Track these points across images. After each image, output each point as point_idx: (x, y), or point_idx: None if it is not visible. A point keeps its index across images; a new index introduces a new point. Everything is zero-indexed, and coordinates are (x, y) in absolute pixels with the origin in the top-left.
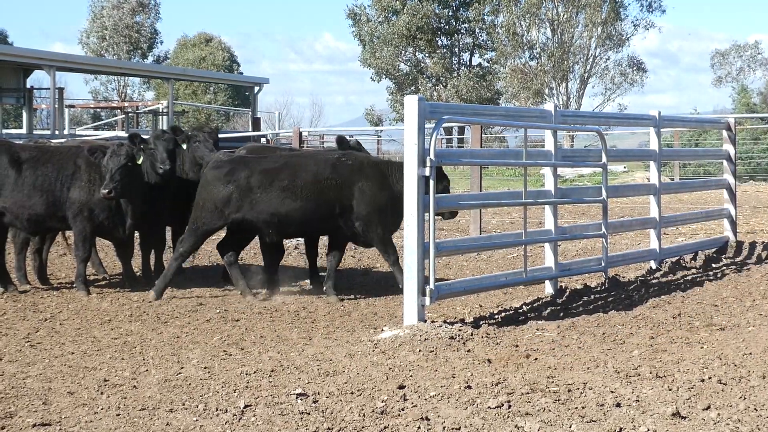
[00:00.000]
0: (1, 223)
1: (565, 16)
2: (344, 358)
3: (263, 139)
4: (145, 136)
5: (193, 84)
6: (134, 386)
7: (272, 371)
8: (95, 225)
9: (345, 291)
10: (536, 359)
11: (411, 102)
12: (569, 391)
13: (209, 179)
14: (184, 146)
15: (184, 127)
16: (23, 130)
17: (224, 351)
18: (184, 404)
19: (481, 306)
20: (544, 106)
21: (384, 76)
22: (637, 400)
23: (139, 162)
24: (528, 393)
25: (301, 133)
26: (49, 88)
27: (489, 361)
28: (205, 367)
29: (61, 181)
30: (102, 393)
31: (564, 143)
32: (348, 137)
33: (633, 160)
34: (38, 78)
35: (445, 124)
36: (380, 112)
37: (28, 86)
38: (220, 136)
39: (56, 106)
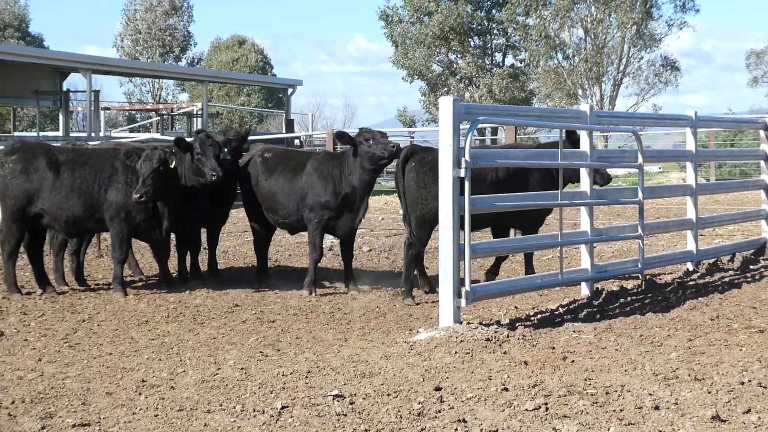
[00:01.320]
0: (39, 225)
1: (598, 16)
2: (380, 359)
3: (296, 141)
4: (188, 139)
5: (226, 86)
6: (172, 387)
7: (308, 372)
8: (132, 227)
9: (380, 292)
10: (573, 361)
11: (446, 103)
12: (607, 393)
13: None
14: (225, 150)
15: (216, 128)
16: (60, 133)
17: (260, 352)
18: (221, 405)
19: (516, 308)
20: (580, 106)
21: (416, 77)
22: (676, 403)
23: (172, 166)
24: (565, 395)
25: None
26: (84, 91)
27: (525, 363)
28: (241, 368)
29: (98, 183)
30: (140, 393)
31: (598, 144)
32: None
33: (669, 160)
34: (73, 81)
35: (479, 125)
36: (413, 113)
37: (64, 89)
38: (256, 138)
39: (92, 108)
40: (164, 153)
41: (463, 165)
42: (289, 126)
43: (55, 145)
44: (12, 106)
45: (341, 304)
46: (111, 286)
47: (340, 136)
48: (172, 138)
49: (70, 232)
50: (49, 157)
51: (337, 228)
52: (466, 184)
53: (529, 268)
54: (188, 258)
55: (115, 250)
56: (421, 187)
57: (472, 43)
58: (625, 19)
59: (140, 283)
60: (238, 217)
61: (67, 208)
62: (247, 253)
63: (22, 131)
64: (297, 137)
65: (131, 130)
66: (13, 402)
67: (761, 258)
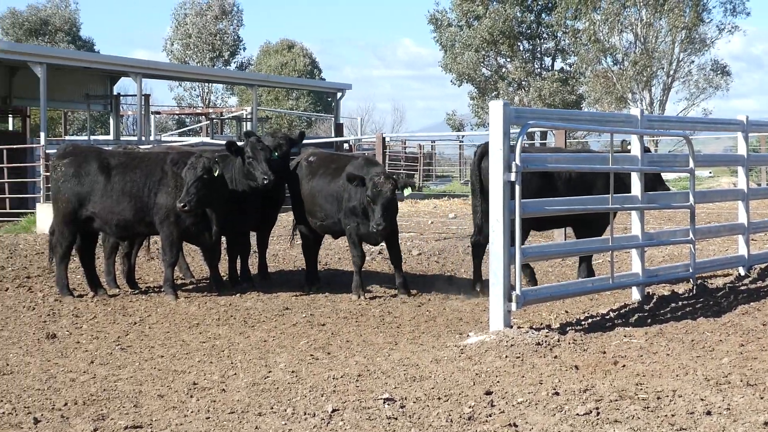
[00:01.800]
0: (90, 228)
1: (648, 20)
2: (430, 363)
3: (345, 145)
4: (239, 143)
5: (275, 90)
6: (223, 390)
7: (359, 376)
8: (182, 230)
9: (430, 296)
10: (624, 366)
11: (496, 107)
12: (658, 398)
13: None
14: (275, 154)
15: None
16: (110, 137)
17: (311, 355)
18: (272, 408)
19: (567, 312)
20: (630, 111)
21: (465, 81)
22: (728, 409)
23: (216, 174)
24: (616, 400)
25: (384, 139)
26: (135, 95)
27: (576, 367)
28: (292, 371)
29: (148, 186)
30: (191, 396)
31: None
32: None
33: (721, 165)
34: (124, 85)
35: (528, 129)
36: (461, 117)
37: (114, 93)
38: (306, 142)
39: (142, 112)
40: (209, 161)
41: (514, 169)
42: (338, 130)
43: (107, 148)
44: (63, 110)
45: (391, 307)
46: (162, 289)
47: (351, 179)
48: (222, 142)
49: (121, 236)
50: (101, 161)
51: (368, 235)
52: (517, 188)
53: (585, 272)
54: (238, 261)
55: (165, 253)
56: None
57: (521, 47)
58: (677, 23)
59: (191, 286)
60: (288, 220)
61: (118, 211)
62: (297, 256)
63: (72, 135)
64: (346, 141)
65: (181, 134)
66: (65, 404)
67: None
